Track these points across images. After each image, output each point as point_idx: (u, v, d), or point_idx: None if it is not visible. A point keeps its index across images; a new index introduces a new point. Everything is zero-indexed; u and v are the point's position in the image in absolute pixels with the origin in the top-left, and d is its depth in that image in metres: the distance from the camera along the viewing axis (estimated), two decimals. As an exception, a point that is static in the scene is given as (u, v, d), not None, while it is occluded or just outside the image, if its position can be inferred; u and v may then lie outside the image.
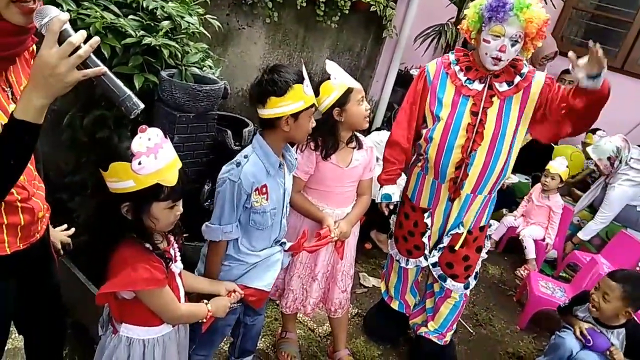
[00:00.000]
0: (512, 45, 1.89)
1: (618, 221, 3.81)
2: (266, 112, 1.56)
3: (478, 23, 1.95)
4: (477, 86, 2.00)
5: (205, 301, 1.50)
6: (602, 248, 3.66)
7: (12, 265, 1.29)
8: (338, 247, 2.00)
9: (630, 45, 4.42)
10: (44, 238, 1.42)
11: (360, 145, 2.01)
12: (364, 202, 2.09)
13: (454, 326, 2.41)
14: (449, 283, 2.25)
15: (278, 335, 2.37)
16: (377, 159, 3.09)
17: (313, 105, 1.57)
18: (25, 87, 1.01)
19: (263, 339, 2.36)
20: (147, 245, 1.29)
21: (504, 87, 1.99)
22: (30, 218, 1.28)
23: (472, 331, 2.88)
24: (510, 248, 3.86)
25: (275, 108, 1.53)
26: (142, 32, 2.14)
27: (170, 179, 1.23)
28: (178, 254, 1.44)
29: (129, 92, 1.02)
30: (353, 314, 2.74)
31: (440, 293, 2.33)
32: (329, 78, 1.87)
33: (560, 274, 3.74)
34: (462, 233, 2.16)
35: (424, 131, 2.13)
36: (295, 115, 1.54)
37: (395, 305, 2.53)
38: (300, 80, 1.51)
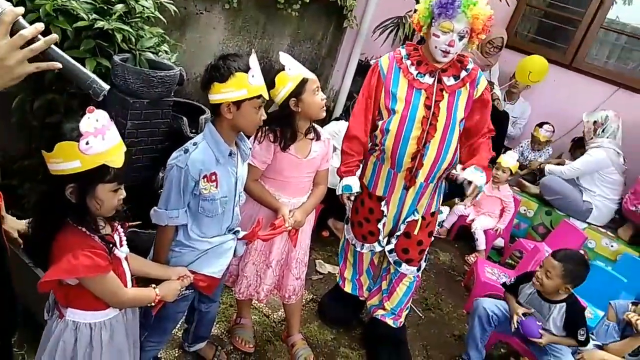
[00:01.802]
0: (460, 40, 2.01)
1: (562, 210, 4.03)
2: (211, 98, 1.58)
3: (428, 18, 2.06)
4: (428, 80, 2.11)
5: (154, 285, 1.52)
6: (546, 236, 3.87)
7: None
8: (292, 236, 2.04)
9: (578, 42, 4.62)
10: None
11: (318, 137, 2.05)
12: (320, 191, 2.14)
13: (408, 306, 2.52)
14: (404, 267, 2.36)
15: (233, 321, 2.41)
16: (335, 148, 3.15)
17: (260, 97, 1.57)
18: None
19: (217, 325, 2.39)
20: (89, 231, 1.29)
21: (451, 82, 2.11)
22: None
23: (421, 315, 3.01)
24: (461, 236, 4.01)
25: (218, 94, 1.54)
26: (94, 15, 2.09)
27: (117, 160, 1.24)
28: (124, 239, 1.45)
29: (93, 76, 1.04)
30: (308, 299, 2.80)
31: (396, 274, 2.43)
32: (283, 69, 1.90)
33: (507, 260, 3.93)
34: (418, 219, 2.27)
35: (379, 123, 2.20)
36: (238, 104, 1.55)
37: (348, 288, 2.61)
38: (246, 69, 1.52)
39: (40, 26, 0.98)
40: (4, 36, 0.94)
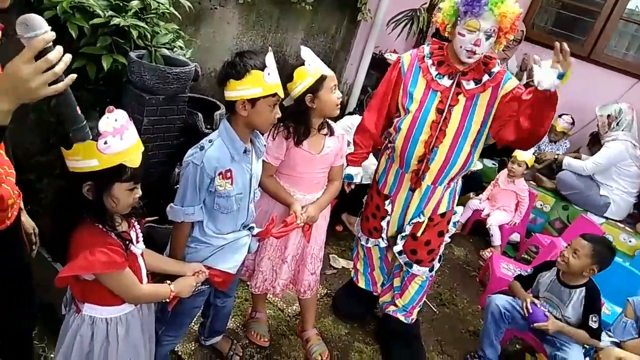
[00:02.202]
0: (487, 39, 1.93)
1: (579, 205, 3.98)
2: (226, 95, 1.58)
3: (453, 17, 1.99)
4: (446, 82, 2.05)
5: (169, 282, 1.53)
6: (563, 231, 3.83)
7: None
8: (306, 231, 2.05)
9: (597, 35, 4.53)
10: (15, 224, 1.42)
11: (331, 132, 2.04)
12: (334, 188, 2.13)
13: (420, 304, 2.51)
14: (415, 269, 2.34)
15: (248, 315, 2.43)
16: (349, 143, 3.14)
17: (275, 95, 1.57)
18: None
19: (233, 319, 2.41)
20: (106, 228, 1.31)
21: (470, 85, 2.04)
22: (0, 205, 1.29)
23: (435, 310, 3.00)
24: (476, 230, 3.99)
25: (234, 91, 1.55)
26: (110, 12, 2.12)
27: (134, 160, 1.25)
28: (140, 235, 1.47)
29: (84, 121, 1.05)
30: (322, 294, 2.81)
31: (408, 273, 2.42)
32: (303, 64, 1.89)
33: (523, 255, 3.89)
34: (423, 221, 2.25)
35: (395, 120, 2.18)
36: (253, 101, 1.55)
37: (362, 283, 2.61)
38: (262, 67, 1.52)
39: (67, 58, 1.00)
40: (30, 60, 0.96)
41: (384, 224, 2.33)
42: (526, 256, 3.90)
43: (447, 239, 2.37)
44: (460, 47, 1.96)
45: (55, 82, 0.99)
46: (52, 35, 0.98)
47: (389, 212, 2.29)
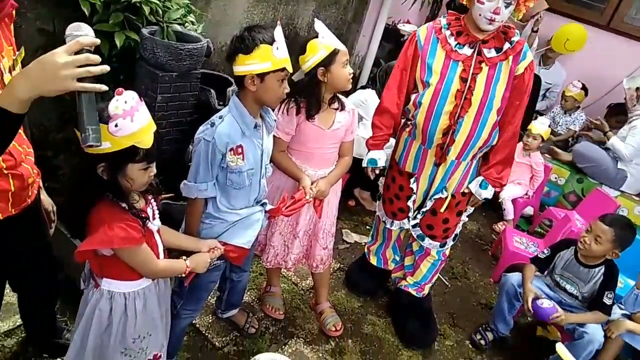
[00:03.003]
0: (506, 7, 1.90)
1: (595, 178, 3.94)
2: (235, 70, 1.57)
3: None
4: (467, 51, 2.01)
5: (185, 257, 1.57)
6: (577, 204, 3.80)
7: (4, 230, 1.33)
8: (317, 206, 2.06)
9: (617, 2, 4.39)
10: (35, 202, 1.46)
11: (342, 107, 2.03)
12: (345, 163, 2.14)
13: (433, 281, 2.53)
14: (427, 242, 2.35)
15: (263, 289, 2.48)
16: (361, 117, 3.13)
17: (284, 69, 1.56)
18: (18, 74, 1.02)
19: (248, 293, 2.47)
20: (124, 204, 1.34)
21: (492, 54, 2.00)
22: (20, 184, 1.32)
23: (447, 283, 3.03)
24: (489, 204, 3.96)
25: (242, 66, 1.54)
26: (122, -12, 2.10)
27: (146, 141, 1.27)
28: (157, 212, 1.49)
29: (99, 125, 1.06)
30: (335, 268, 2.85)
31: (420, 251, 2.43)
32: (316, 37, 1.87)
33: (536, 229, 3.89)
34: (446, 197, 2.22)
35: (413, 96, 2.15)
36: (262, 76, 1.54)
37: (374, 260, 2.64)
38: (271, 41, 1.50)
39: (105, 67, 1.04)
40: (71, 53, 0.99)
41: (410, 203, 2.29)
42: (539, 229, 3.89)
43: (464, 218, 2.37)
44: (480, 14, 1.93)
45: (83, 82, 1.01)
46: (98, 41, 1.04)
47: (415, 190, 2.27)
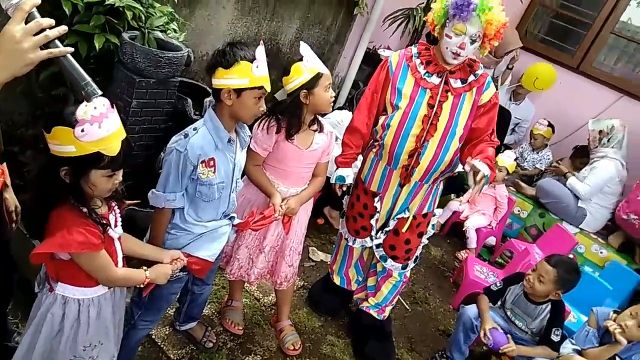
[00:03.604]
0: (472, 43, 2.01)
1: (556, 214, 4.07)
2: (214, 82, 1.59)
3: (443, 18, 2.05)
4: (435, 80, 2.11)
5: (145, 267, 1.55)
6: (538, 238, 3.92)
7: None
8: (285, 223, 2.08)
9: (587, 46, 4.60)
10: None
11: (321, 129, 2.08)
12: (318, 183, 2.17)
13: (393, 303, 2.56)
14: (389, 263, 2.39)
15: (224, 302, 2.46)
16: (337, 138, 3.16)
17: (262, 88, 1.58)
18: None
19: (209, 306, 2.44)
20: (85, 209, 1.32)
21: (458, 84, 2.11)
22: None
23: (408, 308, 3.07)
24: (454, 231, 4.06)
25: (221, 79, 1.56)
26: (106, -9, 2.09)
27: (113, 148, 1.26)
28: (119, 219, 1.48)
29: (89, 78, 1.05)
30: (299, 286, 2.85)
31: (383, 273, 2.47)
32: (301, 59, 1.91)
33: (497, 259, 3.98)
34: (408, 217, 2.29)
35: (382, 118, 2.21)
36: (238, 92, 1.56)
37: (337, 280, 2.66)
38: (251, 59, 1.54)
39: (61, 28, 1.01)
40: (20, 22, 0.97)
41: (373, 222, 2.35)
42: (500, 260, 3.99)
43: (424, 240, 2.43)
44: (446, 48, 2.03)
45: (47, 48, 0.99)
46: (38, 1, 0.99)
47: (378, 209, 2.33)
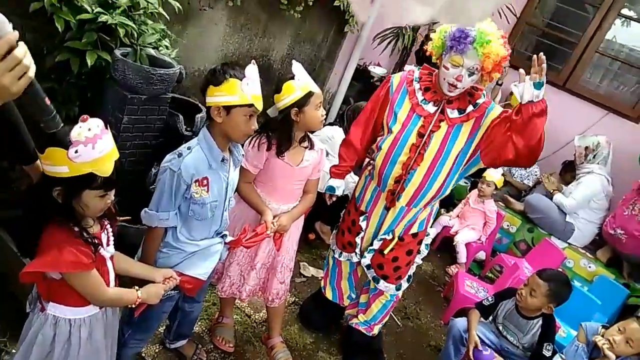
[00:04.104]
0: (469, 76, 1.98)
1: (545, 229, 4.11)
2: (206, 101, 1.61)
3: (441, 49, 2.04)
4: (430, 108, 2.10)
5: (137, 287, 1.54)
6: (527, 253, 3.95)
7: None
8: (276, 240, 2.08)
9: (573, 65, 4.70)
10: None
11: (312, 146, 2.09)
12: (309, 199, 2.18)
13: (383, 322, 2.55)
14: (382, 284, 2.38)
15: (215, 319, 2.44)
16: (327, 153, 3.19)
17: (252, 105, 1.59)
18: None
19: (199, 323, 2.42)
20: (77, 228, 1.32)
21: (454, 114, 2.08)
22: None
23: (400, 323, 3.07)
24: (444, 246, 4.08)
25: (211, 97, 1.58)
26: (98, 9, 2.11)
27: (106, 169, 1.27)
28: (111, 238, 1.47)
29: (54, 111, 1.06)
30: (290, 302, 2.84)
31: (374, 290, 2.46)
32: (293, 78, 1.92)
33: (487, 274, 4.01)
34: (391, 240, 2.28)
35: (378, 138, 2.23)
36: (228, 109, 1.58)
37: (329, 294, 2.65)
38: (241, 77, 1.55)
39: (25, 47, 1.01)
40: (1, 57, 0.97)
41: (358, 239, 2.36)
42: (490, 275, 4.01)
43: (418, 260, 2.42)
44: (444, 79, 2.02)
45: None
46: (15, 35, 0.99)
47: (363, 229, 2.33)
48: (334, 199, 2.42)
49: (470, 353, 2.40)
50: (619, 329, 2.40)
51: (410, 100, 2.13)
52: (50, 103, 1.06)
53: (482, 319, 2.62)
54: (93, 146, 1.22)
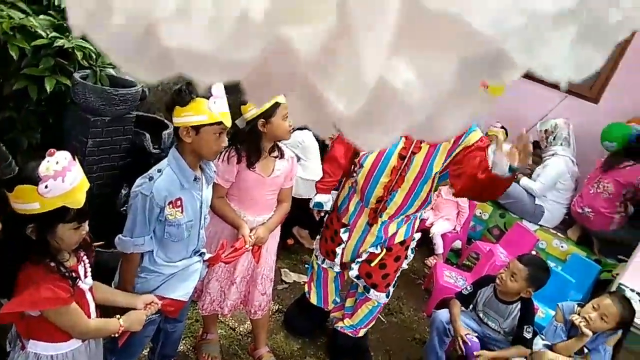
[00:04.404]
0: None
1: (516, 214, 4.22)
2: (173, 121, 1.60)
3: None
4: None
5: (118, 316, 1.52)
6: (500, 238, 4.05)
7: None
8: (255, 252, 2.08)
9: (530, 51, 4.83)
10: None
11: (282, 155, 2.09)
12: (284, 208, 2.18)
13: (370, 325, 2.59)
14: (372, 293, 2.41)
15: (199, 336, 2.42)
16: (299, 158, 3.19)
17: (221, 123, 1.59)
18: None
19: (184, 341, 2.40)
20: (53, 264, 1.30)
21: None
22: None
23: (384, 320, 3.10)
24: (421, 239, 4.12)
25: (178, 117, 1.57)
26: (53, 33, 2.06)
27: (77, 201, 1.25)
28: (89, 269, 1.45)
29: (10, 157, 1.05)
30: (274, 310, 2.84)
31: (362, 295, 2.49)
32: None
33: (464, 262, 4.09)
34: (380, 253, 2.30)
35: (361, 153, 2.22)
36: (197, 128, 1.57)
37: (314, 299, 2.65)
38: (207, 96, 1.54)
39: None
40: None
41: (339, 250, 2.37)
42: (468, 262, 4.09)
43: (404, 265, 2.46)
44: None
45: None
46: None
47: (344, 240, 2.34)
48: (322, 214, 2.42)
49: (461, 344, 2.46)
50: (594, 306, 2.49)
51: None
52: (4, 149, 1.05)
53: (462, 308, 2.68)
54: (63, 179, 1.20)
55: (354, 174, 2.28)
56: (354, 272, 2.39)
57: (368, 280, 2.39)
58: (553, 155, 4.08)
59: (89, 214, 1.32)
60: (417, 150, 2.10)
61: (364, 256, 2.34)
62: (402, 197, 2.15)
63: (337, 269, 2.44)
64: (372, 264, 2.32)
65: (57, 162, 1.19)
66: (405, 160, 2.10)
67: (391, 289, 2.47)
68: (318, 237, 2.58)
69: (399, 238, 2.32)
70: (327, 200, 2.37)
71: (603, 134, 4.06)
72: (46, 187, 1.17)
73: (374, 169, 2.15)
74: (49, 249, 1.29)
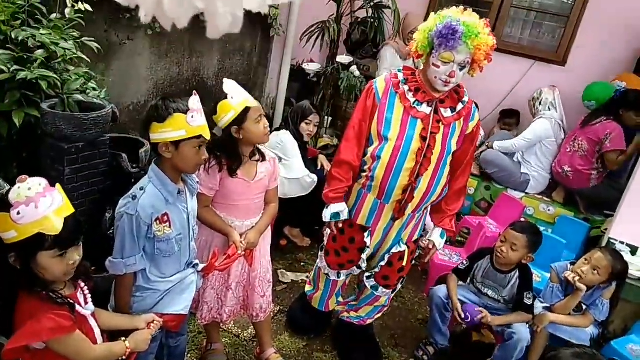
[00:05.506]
0: (461, 70, 1.93)
1: (502, 184, 4.27)
2: (151, 137, 1.59)
3: (428, 47, 1.98)
4: (426, 109, 2.04)
5: (123, 338, 1.52)
6: (488, 210, 4.10)
7: None
8: (247, 256, 2.08)
9: (493, 23, 4.84)
10: None
11: (263, 157, 2.09)
12: (272, 210, 2.18)
13: (375, 317, 2.61)
14: (380, 290, 2.42)
15: (204, 348, 2.41)
16: (281, 159, 3.20)
17: (200, 137, 1.58)
18: None
19: (189, 355, 2.39)
20: (45, 293, 1.29)
21: (448, 113, 2.06)
22: None
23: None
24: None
25: (156, 134, 1.57)
26: (15, 66, 2.04)
27: (53, 227, 1.23)
28: (88, 296, 1.45)
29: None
30: (275, 311, 2.85)
31: (369, 298, 2.51)
32: (226, 97, 1.90)
33: (457, 238, 4.13)
34: (403, 251, 2.28)
35: (370, 148, 2.13)
36: (176, 144, 1.57)
37: (315, 304, 2.66)
38: (185, 110, 1.54)
39: None
40: None
41: (364, 256, 2.31)
42: (460, 238, 4.13)
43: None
44: (435, 77, 1.96)
45: None
46: None
47: (368, 244, 2.28)
48: (340, 225, 2.26)
49: (459, 309, 2.50)
50: (585, 260, 2.55)
51: (403, 103, 2.05)
52: None
53: (461, 283, 2.71)
54: (36, 205, 1.20)
55: (364, 172, 2.17)
56: (371, 281, 2.39)
57: (382, 282, 2.38)
58: (540, 118, 4.13)
59: (73, 242, 1.31)
60: (437, 131, 2.04)
61: (387, 258, 2.30)
62: (427, 181, 2.08)
63: (357, 271, 2.40)
64: (401, 262, 2.31)
65: (29, 189, 1.18)
66: (428, 141, 2.04)
67: (399, 286, 2.48)
68: (320, 253, 2.49)
69: (415, 236, 2.34)
70: (343, 209, 2.20)
71: (584, 94, 4.13)
72: (18, 213, 1.17)
73: (394, 158, 2.05)
74: (38, 278, 1.28)
